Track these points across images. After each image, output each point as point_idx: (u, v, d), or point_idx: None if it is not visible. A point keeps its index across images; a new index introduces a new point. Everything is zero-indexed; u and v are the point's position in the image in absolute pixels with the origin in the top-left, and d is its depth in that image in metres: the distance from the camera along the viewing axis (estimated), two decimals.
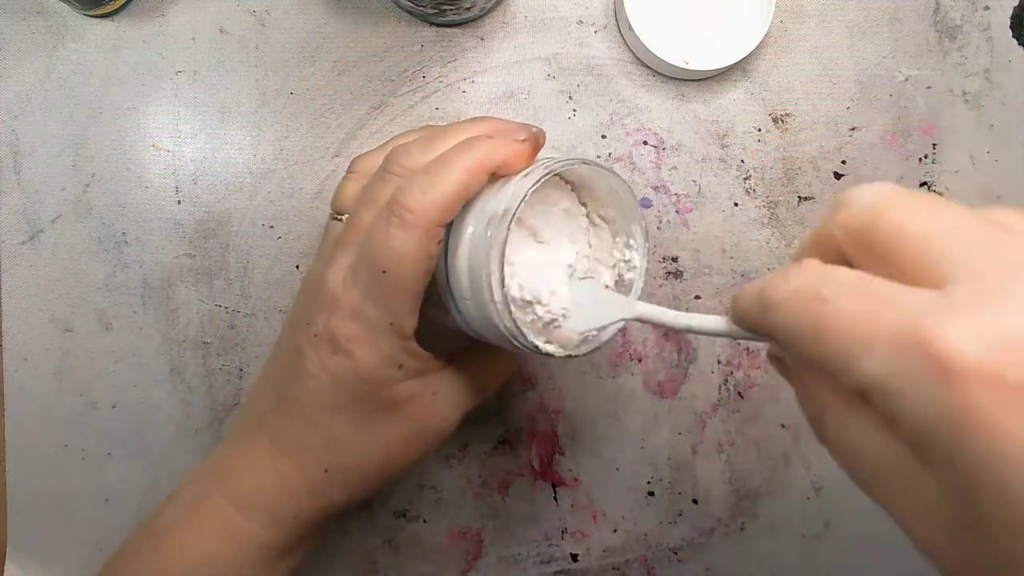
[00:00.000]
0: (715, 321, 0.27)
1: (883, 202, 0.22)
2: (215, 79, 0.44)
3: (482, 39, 0.45)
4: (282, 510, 0.34)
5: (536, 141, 0.32)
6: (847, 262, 0.23)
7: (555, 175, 0.31)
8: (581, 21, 0.45)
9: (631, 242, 0.34)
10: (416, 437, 0.34)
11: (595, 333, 0.32)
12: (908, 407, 0.19)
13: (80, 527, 0.44)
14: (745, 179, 0.45)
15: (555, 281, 0.33)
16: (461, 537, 0.45)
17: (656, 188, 0.45)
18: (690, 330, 0.29)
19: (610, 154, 0.45)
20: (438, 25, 0.45)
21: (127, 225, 0.44)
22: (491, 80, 0.45)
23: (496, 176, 0.32)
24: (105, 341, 0.44)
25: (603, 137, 0.45)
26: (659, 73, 0.45)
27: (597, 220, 0.35)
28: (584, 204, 0.35)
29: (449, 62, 0.45)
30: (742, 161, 0.45)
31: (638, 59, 0.45)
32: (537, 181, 0.30)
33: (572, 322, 0.32)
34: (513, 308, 0.30)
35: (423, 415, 0.34)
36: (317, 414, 0.33)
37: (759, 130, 0.45)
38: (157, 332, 0.44)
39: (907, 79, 0.46)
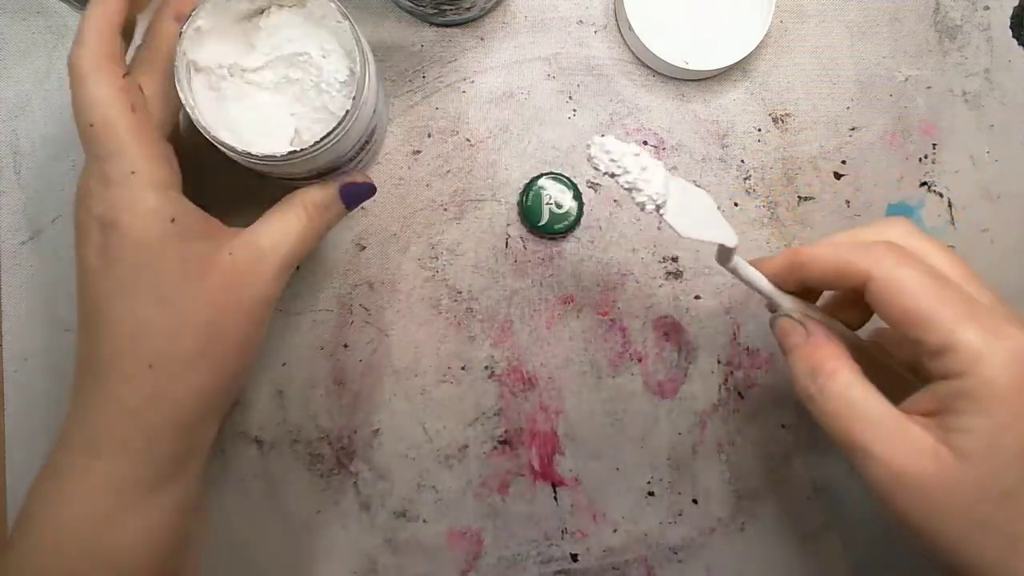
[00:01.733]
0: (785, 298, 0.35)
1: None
2: None
3: (482, 39, 0.45)
4: (129, 434, 0.31)
5: None
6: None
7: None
8: (581, 21, 0.45)
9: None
10: (231, 305, 0.32)
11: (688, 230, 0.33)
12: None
13: None
14: (745, 179, 0.45)
15: (649, 162, 0.32)
16: (461, 537, 0.45)
17: None
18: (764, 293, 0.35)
19: None
20: (438, 25, 0.45)
21: None
22: (491, 80, 0.45)
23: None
24: None
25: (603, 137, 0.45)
26: (659, 73, 0.45)
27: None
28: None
29: (449, 62, 0.45)
30: (742, 161, 0.45)
31: (638, 59, 0.45)
32: None
33: (671, 216, 0.32)
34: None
35: (227, 278, 0.32)
36: (115, 308, 0.31)
37: (759, 130, 0.45)
38: None
39: (907, 79, 0.46)
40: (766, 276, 0.34)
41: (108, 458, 0.31)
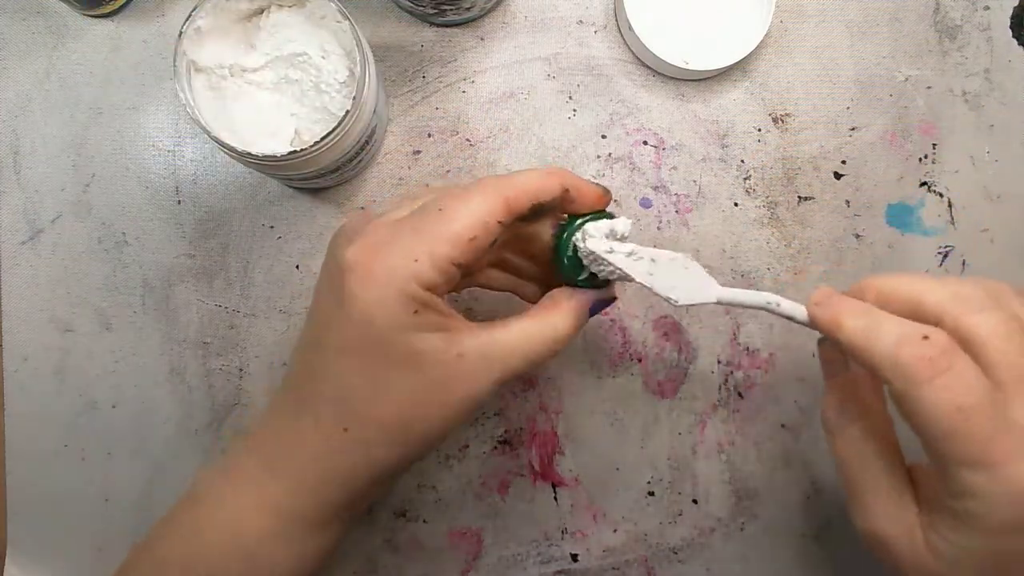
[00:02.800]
0: (793, 307, 0.32)
1: None
2: None
3: (482, 39, 0.45)
4: (306, 474, 0.32)
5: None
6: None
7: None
8: (581, 21, 0.45)
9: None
10: (439, 400, 0.31)
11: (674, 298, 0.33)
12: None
13: (80, 527, 0.44)
14: (745, 179, 0.45)
15: (634, 248, 0.32)
16: (461, 537, 0.45)
17: (656, 188, 0.45)
18: (769, 308, 0.33)
19: (610, 154, 0.45)
20: (438, 25, 0.45)
21: (127, 225, 0.44)
22: (491, 80, 0.45)
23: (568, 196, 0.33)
24: (105, 341, 0.44)
25: (603, 137, 0.45)
26: (659, 73, 0.45)
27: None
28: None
29: (449, 62, 0.45)
30: (742, 161, 0.45)
31: (638, 59, 0.45)
32: None
33: (659, 284, 0.32)
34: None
35: (445, 376, 0.31)
36: (331, 360, 0.31)
37: (759, 130, 0.45)
38: (157, 332, 0.44)
39: (907, 79, 0.46)
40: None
41: (279, 480, 0.32)
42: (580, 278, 0.33)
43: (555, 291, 0.34)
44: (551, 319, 0.33)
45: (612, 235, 0.33)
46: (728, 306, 0.34)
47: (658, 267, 0.33)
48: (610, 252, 0.32)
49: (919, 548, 0.30)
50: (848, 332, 0.29)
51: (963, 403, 0.27)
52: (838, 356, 0.34)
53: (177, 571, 0.33)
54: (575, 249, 0.33)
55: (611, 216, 0.34)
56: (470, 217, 0.30)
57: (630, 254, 0.32)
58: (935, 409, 0.27)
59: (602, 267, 0.32)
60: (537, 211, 0.32)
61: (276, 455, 0.33)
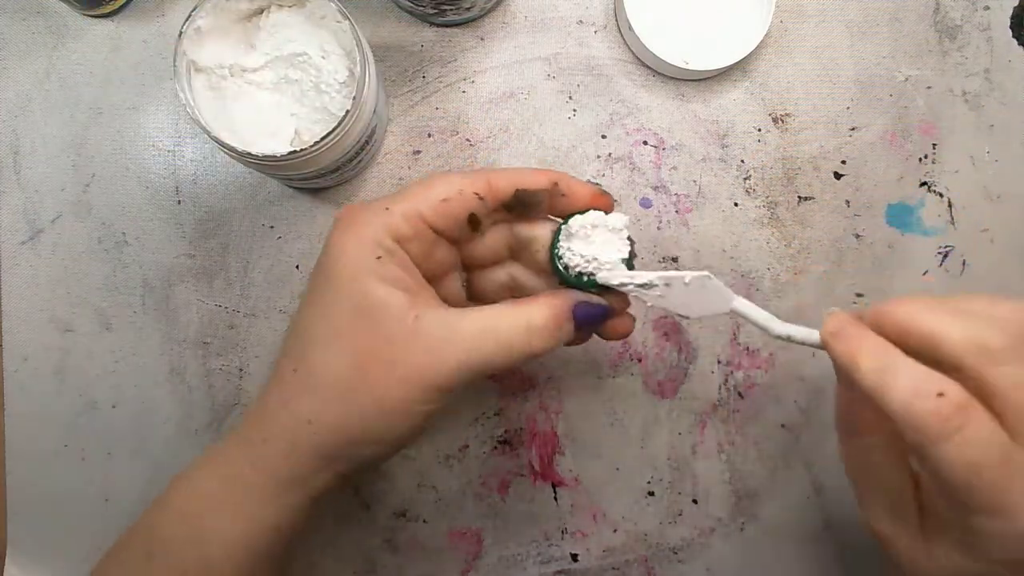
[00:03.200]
0: (808, 334, 0.31)
1: None
2: None
3: (482, 39, 0.45)
4: (253, 432, 0.32)
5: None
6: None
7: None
8: (581, 21, 0.45)
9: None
10: (389, 362, 0.30)
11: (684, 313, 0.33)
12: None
13: (80, 527, 0.44)
14: (745, 179, 0.45)
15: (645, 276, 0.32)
16: (461, 537, 0.45)
17: (656, 188, 0.45)
18: (781, 338, 0.32)
19: (610, 154, 0.45)
20: (438, 25, 0.45)
21: (127, 225, 0.44)
22: (491, 80, 0.45)
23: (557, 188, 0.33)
24: (105, 341, 0.44)
25: (603, 137, 0.45)
26: (659, 73, 0.45)
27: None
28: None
29: (449, 62, 0.45)
30: (742, 161, 0.45)
31: (638, 59, 0.45)
32: None
33: (670, 302, 0.32)
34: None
35: (399, 336, 0.30)
36: (299, 310, 0.32)
37: (759, 130, 0.45)
38: (157, 332, 0.44)
39: (907, 79, 0.46)
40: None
41: (229, 446, 0.33)
42: (575, 282, 0.32)
43: (550, 291, 0.33)
44: (527, 309, 0.31)
45: (603, 229, 0.32)
46: (740, 318, 0.33)
47: (672, 288, 0.32)
48: (623, 286, 0.32)
49: (920, 556, 0.30)
50: (864, 374, 0.28)
51: (977, 461, 0.26)
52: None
53: (140, 540, 0.33)
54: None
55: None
56: (446, 183, 0.32)
57: (643, 285, 0.32)
58: (949, 465, 0.26)
59: (598, 269, 0.32)
60: (522, 200, 0.32)
61: (245, 425, 0.33)
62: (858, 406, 0.33)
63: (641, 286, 0.32)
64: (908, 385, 0.27)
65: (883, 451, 0.32)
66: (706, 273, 0.32)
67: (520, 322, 0.30)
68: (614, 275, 0.32)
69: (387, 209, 0.31)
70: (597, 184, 0.33)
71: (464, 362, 0.30)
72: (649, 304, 0.32)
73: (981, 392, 0.27)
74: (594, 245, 0.32)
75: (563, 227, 0.32)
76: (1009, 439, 0.27)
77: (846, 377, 0.32)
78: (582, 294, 0.32)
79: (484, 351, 0.30)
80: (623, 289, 0.32)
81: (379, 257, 0.30)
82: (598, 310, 0.32)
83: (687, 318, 0.33)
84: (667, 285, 0.32)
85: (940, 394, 0.26)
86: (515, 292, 0.35)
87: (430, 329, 0.30)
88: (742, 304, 0.32)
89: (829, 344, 0.30)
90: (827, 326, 0.30)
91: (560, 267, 0.32)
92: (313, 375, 0.31)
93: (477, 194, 0.31)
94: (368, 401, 0.30)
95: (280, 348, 0.33)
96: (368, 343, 0.30)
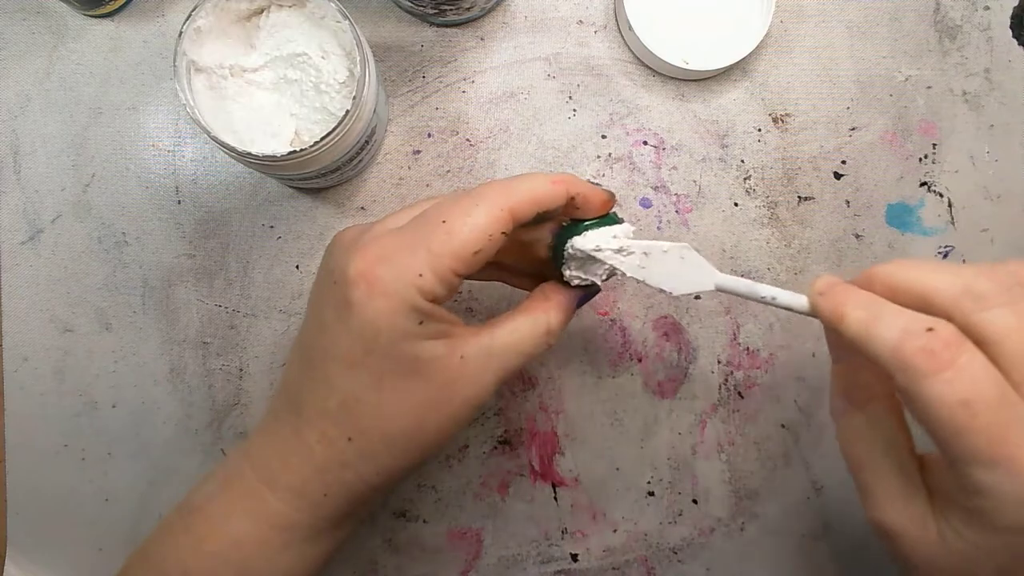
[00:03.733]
0: (792, 297, 0.31)
1: None
2: None
3: (482, 39, 0.45)
4: (309, 487, 0.32)
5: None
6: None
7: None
8: (581, 21, 0.45)
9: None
10: (443, 405, 0.32)
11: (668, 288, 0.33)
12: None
13: (80, 527, 0.44)
14: (745, 179, 0.45)
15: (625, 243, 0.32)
16: (461, 537, 0.45)
17: (656, 188, 0.45)
18: (766, 301, 0.31)
19: (610, 154, 0.45)
20: (438, 25, 0.45)
21: (127, 225, 0.44)
22: (491, 80, 0.45)
23: (572, 203, 0.33)
24: (105, 341, 0.44)
25: (603, 137, 0.45)
26: (659, 73, 0.45)
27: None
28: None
29: (449, 62, 0.45)
30: (742, 161, 0.45)
31: (638, 59, 0.45)
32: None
33: (652, 276, 0.32)
34: None
35: (449, 380, 0.31)
36: (333, 372, 0.31)
37: (759, 130, 0.45)
38: (157, 332, 0.44)
39: (907, 79, 0.46)
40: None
41: (281, 496, 0.33)
42: (576, 282, 0.34)
43: (545, 285, 0.35)
44: (543, 315, 0.33)
45: (609, 251, 0.33)
46: (728, 294, 0.33)
47: (651, 260, 0.32)
48: (598, 250, 0.32)
49: (931, 541, 0.29)
50: (850, 323, 0.28)
51: (969, 398, 0.25)
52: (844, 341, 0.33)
53: (174, 574, 0.33)
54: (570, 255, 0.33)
55: (615, 221, 0.33)
56: (474, 231, 0.30)
57: (619, 250, 0.32)
58: (940, 405, 0.25)
59: (598, 272, 0.33)
60: (540, 218, 0.32)
61: (276, 469, 0.33)
62: (853, 375, 0.32)
63: (618, 251, 0.32)
64: (896, 324, 0.27)
65: (883, 425, 0.31)
66: (685, 244, 0.32)
67: (540, 329, 0.33)
68: (588, 240, 0.32)
69: (420, 276, 0.30)
70: (604, 189, 0.33)
71: (499, 379, 0.32)
72: (630, 276, 0.32)
73: (977, 342, 0.26)
74: (597, 262, 0.33)
75: (569, 245, 0.33)
76: (1005, 379, 0.26)
77: (835, 339, 0.32)
78: (580, 290, 0.34)
79: (513, 363, 0.33)
80: (599, 255, 0.32)
81: (421, 323, 0.30)
82: (593, 295, 0.35)
83: (672, 295, 0.33)
84: (645, 254, 0.32)
85: (929, 329, 0.26)
86: (498, 267, 0.37)
87: (473, 362, 0.32)
88: (724, 279, 0.32)
89: (816, 303, 0.30)
90: (815, 286, 0.30)
91: (566, 274, 0.34)
92: (373, 442, 0.32)
93: (504, 234, 0.31)
94: (426, 445, 0.32)
95: (312, 405, 0.32)
96: (423, 397, 0.31)
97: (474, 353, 0.32)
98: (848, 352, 0.33)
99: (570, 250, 0.33)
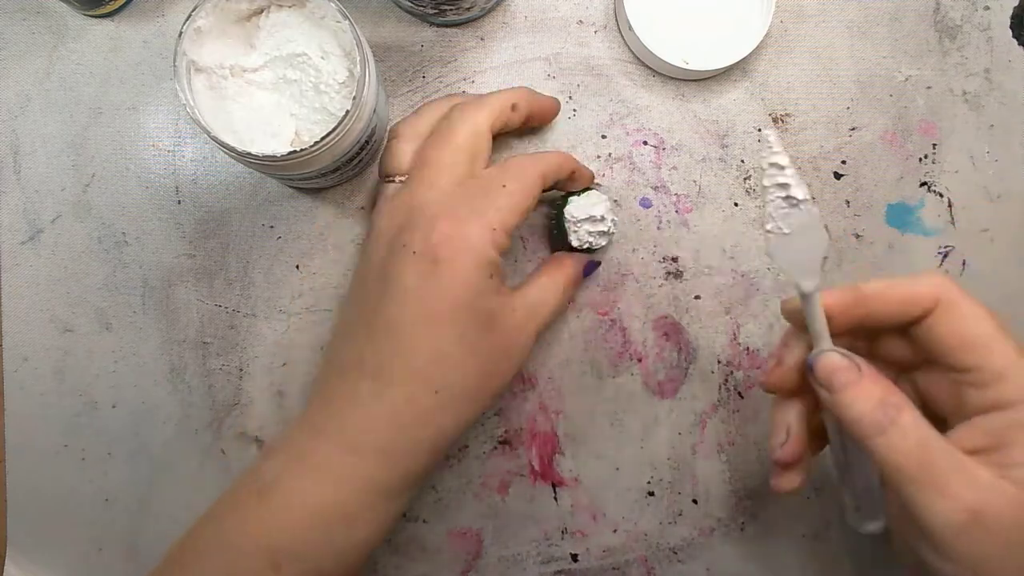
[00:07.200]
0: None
1: None
2: None
3: (482, 39, 0.45)
4: (394, 444, 0.35)
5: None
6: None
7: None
8: (581, 21, 0.45)
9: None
10: (507, 354, 0.37)
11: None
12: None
13: (80, 527, 0.44)
14: (745, 179, 0.45)
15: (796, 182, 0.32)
16: (461, 537, 0.45)
17: (656, 188, 0.45)
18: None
19: (610, 154, 0.45)
20: (438, 25, 0.45)
21: (127, 225, 0.44)
22: (491, 80, 0.45)
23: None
24: (105, 341, 0.44)
25: (603, 137, 0.45)
26: (659, 73, 0.45)
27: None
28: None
29: (449, 62, 0.45)
30: (742, 161, 0.45)
31: (638, 59, 0.45)
32: None
33: (779, 254, 0.32)
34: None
35: (510, 329, 0.37)
36: (420, 333, 0.34)
37: (759, 130, 0.45)
38: (157, 332, 0.44)
39: (907, 79, 0.46)
40: (824, 308, 0.32)
41: (365, 458, 0.34)
42: (586, 245, 0.42)
43: (556, 254, 0.42)
44: (560, 276, 0.40)
45: (594, 213, 0.41)
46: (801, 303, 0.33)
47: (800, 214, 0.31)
48: (595, 215, 0.41)
49: (1013, 498, 0.28)
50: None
51: (992, 313, 0.31)
52: (848, 363, 0.32)
53: (254, 549, 0.33)
54: (566, 221, 0.41)
55: (588, 190, 0.42)
56: (525, 192, 0.37)
57: (609, 211, 0.42)
58: (981, 312, 0.31)
59: (602, 229, 0.41)
60: (551, 187, 0.39)
61: (359, 433, 0.34)
62: (886, 383, 0.31)
63: (609, 211, 0.42)
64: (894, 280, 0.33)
65: (927, 423, 0.30)
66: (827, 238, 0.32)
67: (560, 286, 0.40)
68: (590, 199, 0.41)
69: (494, 230, 0.35)
70: (587, 168, 0.42)
71: (538, 330, 0.39)
72: (770, 216, 0.32)
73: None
74: (594, 221, 0.41)
75: (568, 209, 0.41)
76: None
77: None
78: (584, 256, 0.43)
79: (547, 317, 0.39)
80: (596, 212, 0.41)
81: (491, 276, 0.35)
82: (592, 266, 0.43)
83: (771, 257, 0.32)
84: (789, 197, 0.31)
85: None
86: None
87: (522, 314, 0.38)
88: (815, 304, 0.32)
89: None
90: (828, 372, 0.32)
91: (574, 242, 0.41)
92: (455, 393, 0.35)
93: (537, 195, 0.38)
94: (493, 393, 0.37)
95: (397, 367, 0.35)
96: (493, 345, 0.36)
97: (521, 306, 0.38)
98: (854, 376, 0.32)
99: (573, 214, 0.40)
